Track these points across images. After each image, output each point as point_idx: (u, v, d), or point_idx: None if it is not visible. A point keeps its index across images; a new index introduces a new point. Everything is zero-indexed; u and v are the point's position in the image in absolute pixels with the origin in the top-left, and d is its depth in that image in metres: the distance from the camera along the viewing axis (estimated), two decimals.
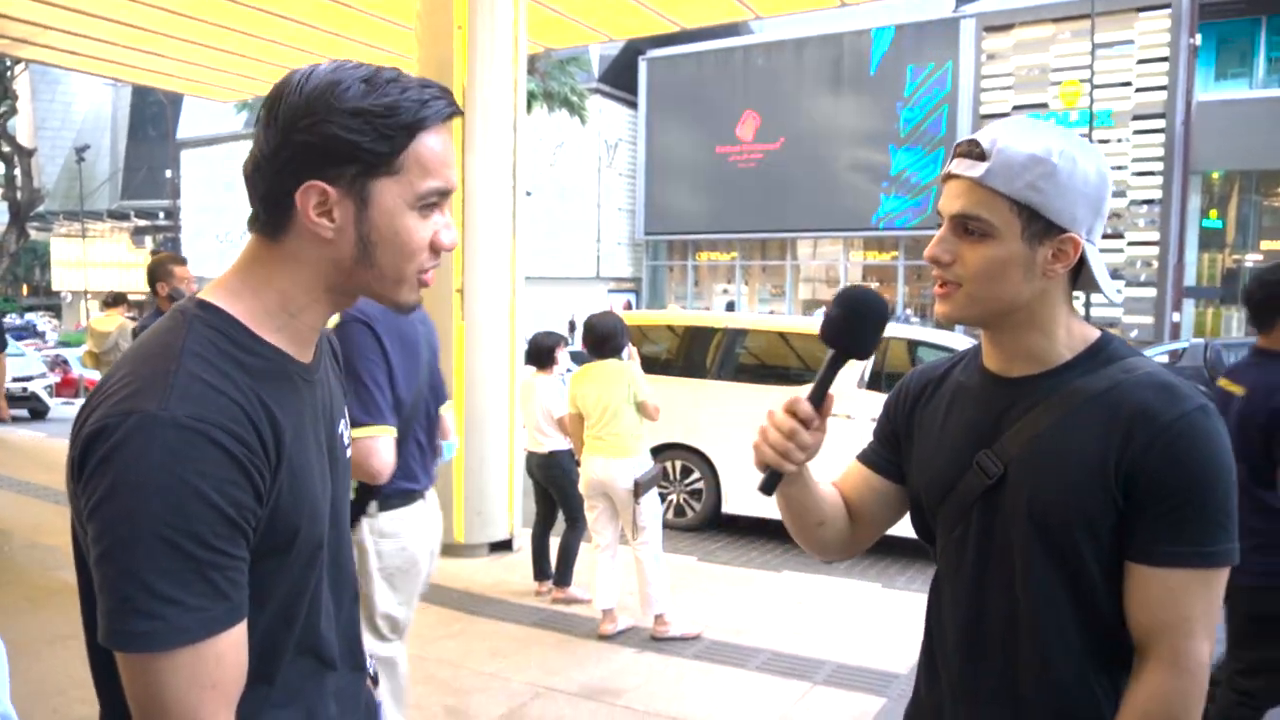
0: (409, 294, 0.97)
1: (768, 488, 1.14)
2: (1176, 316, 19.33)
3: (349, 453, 1.11)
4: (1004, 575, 1.14)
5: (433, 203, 0.94)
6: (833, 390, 1.12)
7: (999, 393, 1.17)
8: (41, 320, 36.06)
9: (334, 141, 0.89)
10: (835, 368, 1.11)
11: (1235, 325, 20.30)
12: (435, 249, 0.96)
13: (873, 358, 6.20)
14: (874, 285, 24.27)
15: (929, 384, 1.30)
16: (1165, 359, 13.20)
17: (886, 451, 1.33)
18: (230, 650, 0.85)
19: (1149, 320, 19.69)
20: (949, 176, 1.12)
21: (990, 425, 1.16)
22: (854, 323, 1.12)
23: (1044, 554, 1.09)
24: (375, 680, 1.23)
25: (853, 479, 1.34)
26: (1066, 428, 1.09)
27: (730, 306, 24.62)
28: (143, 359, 0.88)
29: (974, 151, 1.09)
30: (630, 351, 4.37)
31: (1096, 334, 1.16)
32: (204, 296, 0.95)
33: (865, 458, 1.35)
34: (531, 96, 19.24)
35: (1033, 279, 1.10)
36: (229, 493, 0.83)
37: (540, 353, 4.78)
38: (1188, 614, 1.04)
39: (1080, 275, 1.14)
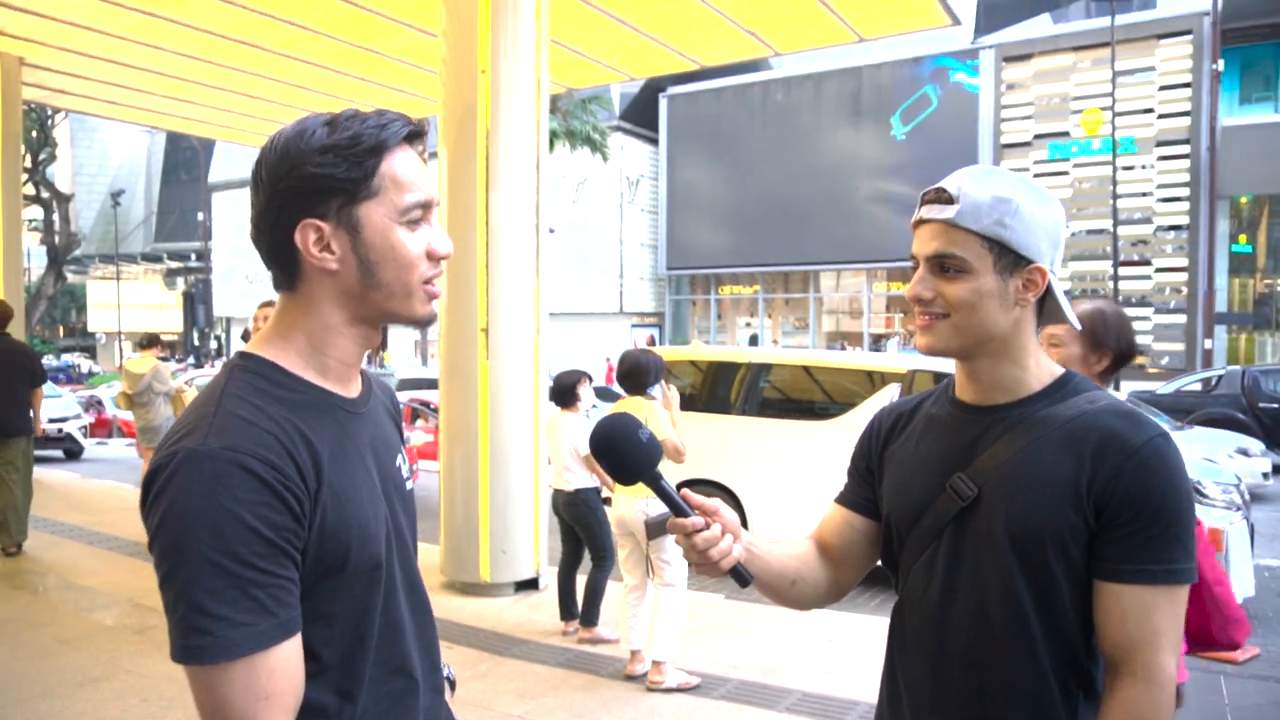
0: (420, 306, 1.06)
1: (739, 583, 1.19)
2: (1209, 343, 19.01)
3: (410, 485, 1.17)
4: (974, 596, 1.18)
5: (417, 217, 1.03)
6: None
7: (971, 421, 1.23)
8: (83, 361, 36.70)
9: (313, 180, 0.98)
10: (658, 488, 1.15)
11: (1270, 351, 19.94)
12: (432, 257, 1.05)
13: (899, 389, 6.21)
14: (895, 317, 24.26)
15: (900, 418, 1.36)
16: (1198, 386, 12.87)
17: (863, 489, 1.37)
18: (282, 664, 0.91)
19: (1180, 347, 19.42)
20: (921, 222, 1.20)
21: (963, 451, 1.22)
22: (617, 458, 1.16)
23: (1017, 572, 1.14)
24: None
25: (833, 522, 1.38)
26: (1038, 451, 1.15)
27: (753, 340, 24.60)
28: (195, 407, 0.99)
29: (942, 197, 1.17)
30: (662, 390, 4.28)
31: (1061, 370, 1.24)
32: (246, 348, 1.06)
33: (843, 499, 1.40)
34: (554, 135, 19.51)
35: (1008, 308, 1.18)
36: (265, 515, 0.90)
37: (563, 391, 4.78)
38: (1157, 629, 1.09)
39: (1045, 307, 1.22)
